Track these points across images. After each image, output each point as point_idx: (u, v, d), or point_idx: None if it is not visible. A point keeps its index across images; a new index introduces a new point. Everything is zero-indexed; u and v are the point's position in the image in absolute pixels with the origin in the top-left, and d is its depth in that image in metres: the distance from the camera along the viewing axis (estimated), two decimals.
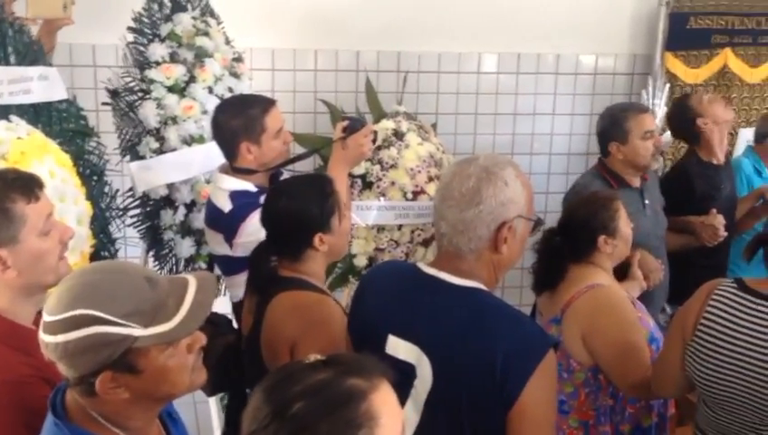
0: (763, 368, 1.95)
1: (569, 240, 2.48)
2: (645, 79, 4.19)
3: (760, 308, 1.98)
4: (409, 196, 3.35)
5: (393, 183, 3.34)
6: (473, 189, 1.64)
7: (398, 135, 3.42)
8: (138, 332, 1.30)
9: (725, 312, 2.03)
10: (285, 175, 2.67)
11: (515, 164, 1.73)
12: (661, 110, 4.05)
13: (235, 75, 3.30)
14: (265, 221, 2.17)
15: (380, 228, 3.37)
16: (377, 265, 3.18)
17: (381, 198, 3.34)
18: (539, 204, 3.96)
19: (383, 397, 1.13)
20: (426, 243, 3.41)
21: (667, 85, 4.15)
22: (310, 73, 4.08)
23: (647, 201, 3.25)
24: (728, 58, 4.28)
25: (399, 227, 3.38)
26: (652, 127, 3.25)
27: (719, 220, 3.28)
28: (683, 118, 3.55)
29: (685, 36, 4.21)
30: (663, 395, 2.29)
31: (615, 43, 4.33)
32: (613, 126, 3.20)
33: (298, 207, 2.10)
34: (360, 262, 3.39)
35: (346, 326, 1.89)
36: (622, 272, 2.61)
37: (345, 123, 2.50)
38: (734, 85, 4.29)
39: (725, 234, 3.29)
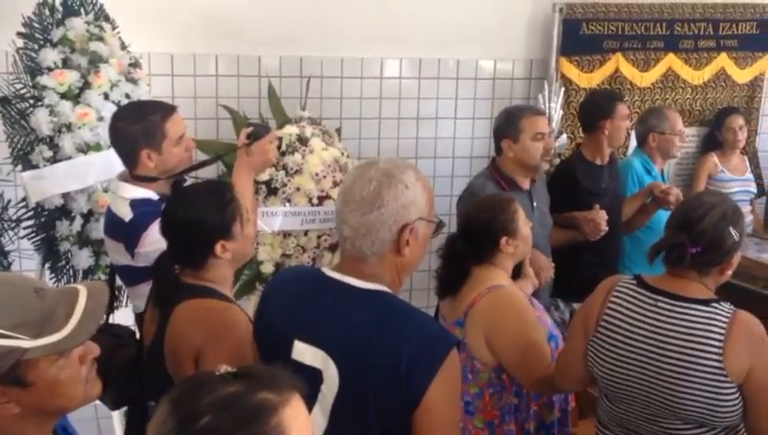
0: (661, 362, 2.03)
1: (471, 243, 2.52)
2: (541, 83, 4.30)
3: (658, 304, 2.06)
4: (315, 201, 3.35)
5: (298, 189, 3.33)
6: (374, 193, 1.65)
7: (303, 140, 3.42)
8: (26, 343, 1.25)
9: (626, 307, 2.11)
10: (188, 182, 2.63)
11: (415, 167, 1.75)
12: (557, 113, 4.18)
13: (133, 81, 3.23)
14: (165, 231, 2.13)
15: (287, 234, 3.36)
16: (281, 271, 3.16)
17: (287, 204, 3.33)
18: (443, 207, 4.09)
19: (294, 411, 1.11)
20: (332, 248, 3.41)
21: (563, 89, 4.27)
22: (211, 79, 4.02)
23: (535, 203, 3.35)
24: (619, 63, 4.44)
25: (306, 232, 3.38)
26: (544, 129, 3.35)
27: (601, 215, 3.43)
28: (593, 112, 3.72)
29: (578, 42, 4.34)
30: (566, 389, 2.36)
31: (513, 49, 4.44)
32: (507, 123, 3.29)
33: (197, 215, 2.07)
34: (267, 268, 3.36)
35: (252, 333, 1.87)
36: (515, 271, 2.68)
37: (249, 130, 2.48)
38: (625, 89, 4.45)
39: (606, 228, 3.43)
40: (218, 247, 2.08)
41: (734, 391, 1.98)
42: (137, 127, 2.45)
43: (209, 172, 3.30)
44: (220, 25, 3.96)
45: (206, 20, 3.94)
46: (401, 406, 1.57)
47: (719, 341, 1.97)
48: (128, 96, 3.16)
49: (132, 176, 2.52)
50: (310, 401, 1.62)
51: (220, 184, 2.23)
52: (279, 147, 2.57)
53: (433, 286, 2.63)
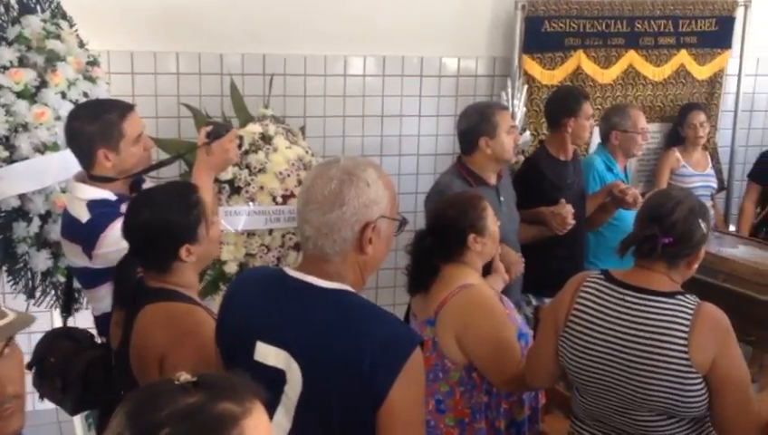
0: (629, 354, 2.06)
1: (440, 241, 2.52)
2: (504, 80, 4.32)
3: (626, 298, 2.10)
4: (279, 200, 3.33)
5: (262, 188, 3.30)
6: (335, 192, 1.64)
7: (266, 139, 3.39)
8: None
9: (594, 302, 2.14)
10: (148, 182, 2.59)
11: (377, 165, 1.74)
12: (521, 110, 4.20)
13: (91, 79, 3.18)
14: (128, 234, 2.08)
15: (251, 234, 3.33)
16: (243, 272, 3.13)
17: (250, 203, 3.30)
18: (409, 204, 4.09)
19: (255, 421, 1.09)
20: (298, 247, 3.39)
21: (525, 86, 4.29)
22: (172, 77, 3.97)
23: (502, 198, 3.37)
24: (581, 60, 4.47)
25: (270, 231, 3.35)
26: (513, 123, 3.39)
27: (567, 209, 3.45)
28: (558, 109, 3.76)
29: (540, 39, 4.36)
30: (536, 385, 2.38)
31: (476, 46, 4.45)
32: (482, 122, 3.29)
33: (163, 219, 2.03)
34: (231, 268, 3.33)
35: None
36: (485, 266, 2.69)
37: (209, 128, 2.45)
38: (587, 86, 4.46)
39: (573, 222, 3.46)
40: (183, 251, 2.05)
41: (699, 381, 2.01)
42: (93, 126, 2.40)
43: (170, 172, 3.27)
44: (181, 23, 3.92)
45: (166, 17, 3.89)
46: (365, 406, 1.56)
47: (684, 332, 2.01)
48: (86, 95, 3.12)
49: (89, 176, 2.47)
50: (273, 403, 1.62)
51: (185, 186, 2.19)
52: (240, 145, 2.53)
53: (399, 284, 2.64)
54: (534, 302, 3.65)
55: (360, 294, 1.70)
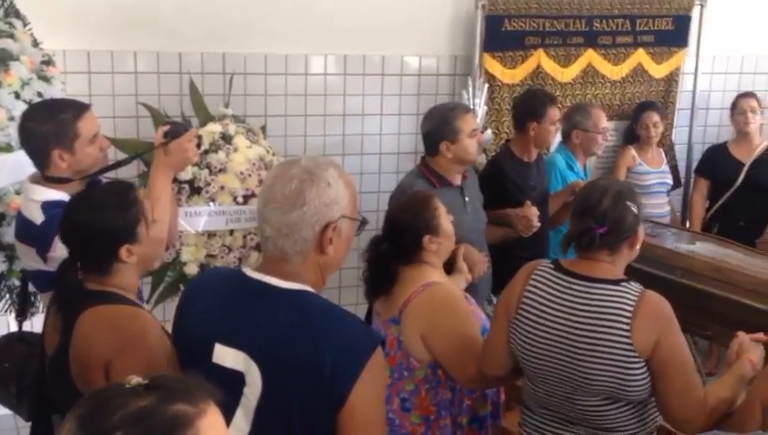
0: (574, 340, 2.12)
1: (395, 244, 2.53)
2: (466, 79, 4.33)
3: (572, 286, 2.15)
4: (240, 200, 3.30)
5: (222, 187, 3.28)
6: (295, 191, 1.63)
7: (226, 138, 3.37)
8: None
9: (543, 290, 2.20)
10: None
11: (337, 164, 1.73)
12: (482, 109, 4.22)
13: (45, 79, 3.11)
14: (65, 236, 2.04)
15: (211, 234, 3.30)
16: (200, 273, 3.10)
17: (211, 204, 3.27)
18: (371, 203, 4.08)
19: (210, 421, 1.07)
20: (259, 247, 3.36)
21: (486, 85, 4.31)
22: (130, 76, 3.92)
23: (467, 198, 3.38)
24: (541, 58, 4.50)
25: (231, 231, 3.33)
26: (476, 126, 3.41)
27: (533, 211, 3.47)
28: (523, 112, 3.78)
29: (500, 38, 4.38)
30: (491, 373, 2.39)
31: (437, 45, 4.45)
32: (444, 125, 3.29)
33: (99, 219, 1.99)
34: (191, 270, 3.30)
35: (165, 339, 1.82)
36: (448, 266, 2.70)
37: (166, 128, 2.42)
38: (547, 84, 4.50)
39: (539, 224, 3.48)
40: (123, 251, 2.01)
41: (641, 365, 2.07)
42: (47, 126, 2.36)
43: (128, 172, 3.22)
44: (139, 21, 3.86)
45: (124, 16, 3.83)
46: (325, 407, 1.55)
47: (627, 317, 2.06)
48: (40, 95, 3.05)
49: (44, 177, 2.43)
50: (232, 405, 1.60)
51: (123, 185, 2.14)
52: (199, 145, 2.50)
53: (362, 284, 2.63)
54: (495, 301, 3.66)
55: (322, 293, 1.70)
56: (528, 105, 3.78)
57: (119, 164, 2.56)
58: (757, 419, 1.98)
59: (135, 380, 1.07)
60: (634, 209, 2.15)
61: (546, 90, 4.19)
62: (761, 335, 2.24)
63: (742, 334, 2.24)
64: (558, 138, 4.23)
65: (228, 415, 1.59)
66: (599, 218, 2.13)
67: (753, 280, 3.24)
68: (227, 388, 1.57)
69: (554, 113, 3.76)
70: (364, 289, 2.61)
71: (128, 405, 1.03)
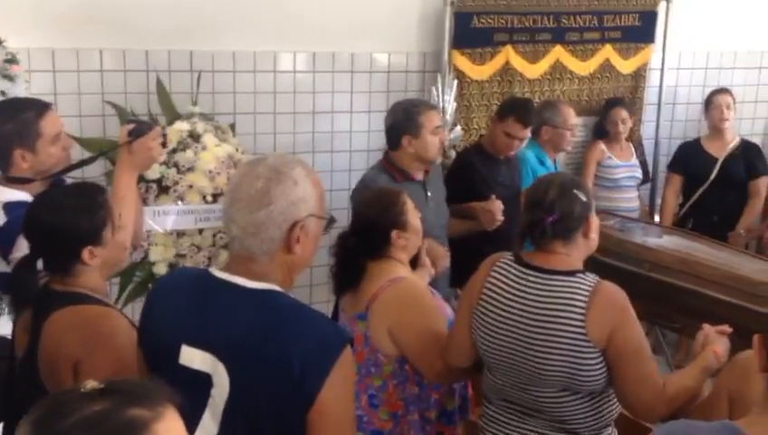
0: (530, 331, 2.15)
1: (363, 239, 2.53)
2: (435, 76, 4.33)
3: (529, 277, 2.19)
4: (209, 198, 3.27)
5: (191, 186, 3.25)
6: (262, 190, 1.61)
7: (195, 137, 3.34)
8: None
9: (502, 281, 2.23)
10: (68, 183, 2.51)
11: (304, 163, 1.72)
12: (451, 105, 4.22)
13: (9, 78, 3.08)
14: (27, 235, 2.02)
15: (180, 234, 3.27)
16: (166, 274, 3.07)
17: (179, 203, 3.24)
18: (342, 201, 4.07)
19: (167, 426, 1.06)
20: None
21: (455, 82, 4.32)
22: (95, 74, 3.86)
23: (429, 193, 3.39)
24: (510, 55, 4.51)
25: (200, 231, 3.30)
26: (440, 123, 3.41)
27: (497, 206, 3.50)
28: (498, 110, 3.86)
29: (469, 35, 4.38)
30: (455, 364, 2.40)
31: (406, 42, 4.44)
32: (407, 120, 3.31)
33: (63, 220, 1.96)
34: (160, 269, 3.27)
35: (135, 339, 1.80)
36: (411, 261, 2.71)
37: (130, 126, 2.39)
38: (515, 81, 4.53)
39: (502, 218, 3.50)
40: (86, 253, 1.98)
41: (596, 355, 2.10)
42: (8, 126, 2.33)
43: (94, 171, 3.18)
44: (105, 19, 3.80)
45: (89, 13, 3.77)
46: (294, 408, 1.54)
47: (582, 309, 2.09)
48: (3, 94, 3.02)
49: (6, 178, 2.40)
50: (200, 407, 1.59)
51: (91, 187, 2.12)
52: (164, 143, 2.48)
53: (333, 289, 2.64)
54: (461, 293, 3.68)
55: (293, 292, 1.69)
56: (500, 106, 3.86)
57: (82, 163, 2.53)
58: (723, 411, 2.00)
59: (91, 384, 1.06)
60: (582, 197, 2.20)
61: (529, 98, 4.19)
62: (725, 328, 2.27)
63: (707, 327, 2.27)
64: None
65: (196, 417, 1.59)
66: (548, 208, 2.17)
67: (719, 273, 3.29)
68: (195, 389, 1.57)
69: (514, 125, 3.73)
70: (332, 284, 2.61)
71: (82, 410, 1.02)
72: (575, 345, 2.09)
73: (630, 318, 2.13)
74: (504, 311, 2.20)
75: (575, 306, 2.10)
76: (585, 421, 2.21)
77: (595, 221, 2.25)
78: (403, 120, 3.32)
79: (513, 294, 2.20)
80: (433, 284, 2.88)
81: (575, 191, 2.19)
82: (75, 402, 1.03)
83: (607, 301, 2.11)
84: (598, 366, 2.11)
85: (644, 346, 2.15)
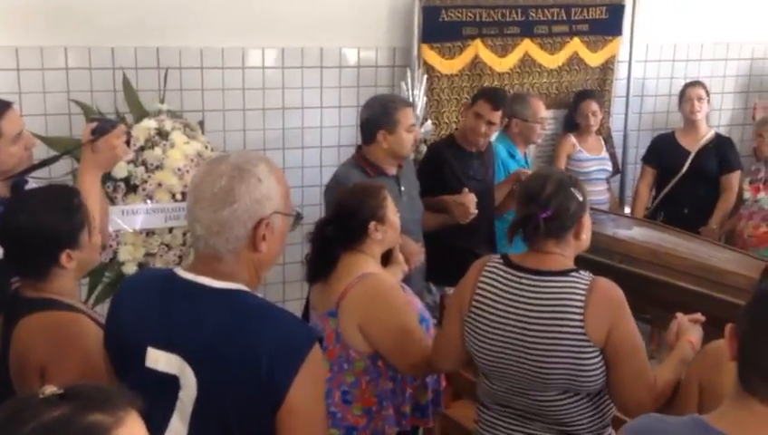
0: (527, 335, 2.11)
1: (341, 229, 2.53)
2: (405, 71, 4.32)
3: (522, 280, 2.15)
4: (179, 197, 3.23)
5: (160, 185, 3.21)
6: (225, 188, 1.59)
7: (163, 134, 3.29)
8: None
9: (493, 286, 2.19)
10: (31, 183, 2.47)
11: (268, 160, 1.70)
12: (421, 100, 4.22)
13: None
14: (2, 239, 1.99)
15: (150, 233, 3.23)
16: (130, 275, 3.04)
17: (148, 201, 3.20)
18: (313, 197, 4.05)
19: (128, 431, 1.05)
20: None
21: (425, 76, 4.31)
22: (61, 72, 3.81)
23: (403, 188, 3.39)
24: (479, 49, 4.52)
25: (170, 229, 3.26)
26: (415, 121, 3.41)
27: (470, 198, 3.50)
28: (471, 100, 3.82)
29: (438, 29, 4.38)
30: (444, 369, 2.42)
31: (375, 37, 4.43)
32: (383, 115, 3.30)
33: (42, 223, 1.94)
34: (130, 269, 3.22)
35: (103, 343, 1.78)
36: (385, 257, 2.71)
37: (94, 125, 2.36)
38: (485, 75, 4.54)
39: (476, 211, 3.50)
40: (64, 257, 1.96)
41: (596, 354, 2.08)
42: None
43: (60, 170, 3.14)
44: (69, 16, 3.76)
45: (53, 10, 3.73)
46: (264, 408, 1.53)
47: (579, 308, 2.06)
48: None
49: None
50: (167, 410, 1.57)
51: (67, 189, 2.11)
52: (128, 142, 2.44)
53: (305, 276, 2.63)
54: (434, 290, 3.68)
55: (266, 289, 1.67)
56: (473, 96, 3.85)
57: (44, 163, 2.49)
58: (694, 400, 2.01)
59: (50, 389, 1.04)
60: (579, 197, 2.16)
61: (502, 90, 4.17)
62: (698, 316, 2.27)
63: (680, 316, 2.27)
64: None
65: (164, 420, 1.57)
66: (543, 204, 2.13)
67: (688, 263, 3.33)
68: (162, 392, 1.56)
69: (487, 108, 3.71)
70: (306, 271, 2.61)
71: (40, 416, 1.00)
72: (576, 346, 2.06)
73: (627, 314, 2.10)
74: (500, 316, 2.16)
75: (573, 306, 2.07)
76: (586, 423, 2.18)
77: (588, 222, 2.22)
78: (380, 115, 3.31)
79: (508, 299, 2.15)
80: (407, 278, 2.88)
81: (572, 189, 2.15)
82: (34, 408, 1.02)
83: (604, 298, 2.08)
84: (598, 365, 2.09)
85: (640, 342, 2.13)
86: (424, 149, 4.06)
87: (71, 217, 1.98)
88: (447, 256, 3.39)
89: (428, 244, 3.34)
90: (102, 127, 2.34)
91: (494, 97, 3.74)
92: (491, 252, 3.86)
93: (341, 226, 2.54)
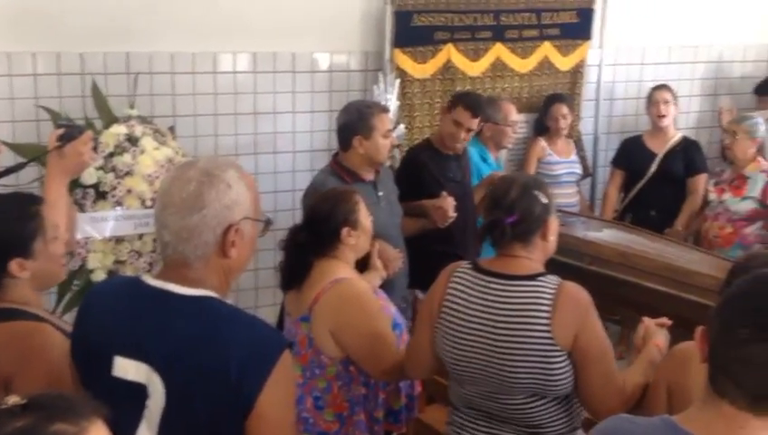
0: (495, 339, 2.12)
1: (313, 235, 2.53)
2: (377, 75, 4.33)
3: (490, 285, 2.16)
4: (149, 203, 3.21)
5: (130, 191, 3.19)
6: (194, 194, 1.58)
7: (132, 140, 3.27)
8: None
9: (463, 291, 2.19)
10: None
11: (238, 165, 1.70)
12: (393, 104, 4.23)
13: None
14: None
15: (119, 240, 3.20)
16: (97, 283, 3.01)
17: (118, 208, 3.17)
18: (286, 202, 4.05)
19: None
20: None
21: (398, 80, 4.32)
22: (29, 78, 3.77)
23: (380, 193, 3.39)
24: (451, 53, 4.54)
25: (140, 236, 3.24)
26: (391, 126, 3.41)
27: (449, 202, 3.51)
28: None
29: (410, 33, 4.39)
30: (415, 376, 2.42)
31: (347, 41, 4.44)
32: (360, 121, 3.30)
33: None
34: (99, 277, 3.19)
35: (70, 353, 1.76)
36: (363, 263, 2.71)
37: (61, 131, 2.32)
38: (457, 79, 4.57)
39: (455, 215, 3.51)
40: (13, 265, 1.92)
41: (563, 358, 2.09)
42: None
43: (27, 177, 3.09)
44: (37, 21, 3.72)
45: (21, 16, 3.69)
46: (233, 415, 1.52)
47: (547, 312, 2.08)
48: None
49: None
50: (135, 419, 1.56)
51: (25, 196, 2.06)
52: (95, 148, 2.42)
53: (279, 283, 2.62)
54: (421, 296, 3.67)
55: (239, 295, 1.66)
56: (450, 100, 3.87)
57: (11, 170, 2.45)
58: (662, 402, 2.03)
59: (13, 399, 1.03)
60: (542, 199, 2.18)
61: (479, 95, 4.16)
62: (665, 320, 2.29)
63: (647, 319, 2.29)
64: None
65: (132, 429, 1.55)
66: (507, 209, 2.14)
67: (656, 264, 3.36)
68: (130, 401, 1.55)
69: (465, 115, 3.73)
70: (279, 279, 2.61)
71: (3, 427, 1.00)
72: (543, 350, 2.07)
73: (594, 317, 2.12)
74: (468, 321, 2.16)
75: (540, 311, 2.08)
76: (556, 425, 2.19)
77: (554, 223, 2.23)
78: (356, 121, 3.31)
79: (476, 304, 2.16)
80: (389, 286, 2.89)
81: (535, 192, 2.17)
82: None
83: (571, 302, 2.10)
84: (566, 369, 2.10)
85: (608, 345, 2.14)
86: (396, 154, 4.06)
87: (23, 225, 1.93)
88: (431, 262, 3.39)
89: (412, 250, 3.34)
90: (69, 133, 2.31)
91: (473, 105, 3.75)
92: (477, 255, 3.89)
93: (314, 232, 2.54)
